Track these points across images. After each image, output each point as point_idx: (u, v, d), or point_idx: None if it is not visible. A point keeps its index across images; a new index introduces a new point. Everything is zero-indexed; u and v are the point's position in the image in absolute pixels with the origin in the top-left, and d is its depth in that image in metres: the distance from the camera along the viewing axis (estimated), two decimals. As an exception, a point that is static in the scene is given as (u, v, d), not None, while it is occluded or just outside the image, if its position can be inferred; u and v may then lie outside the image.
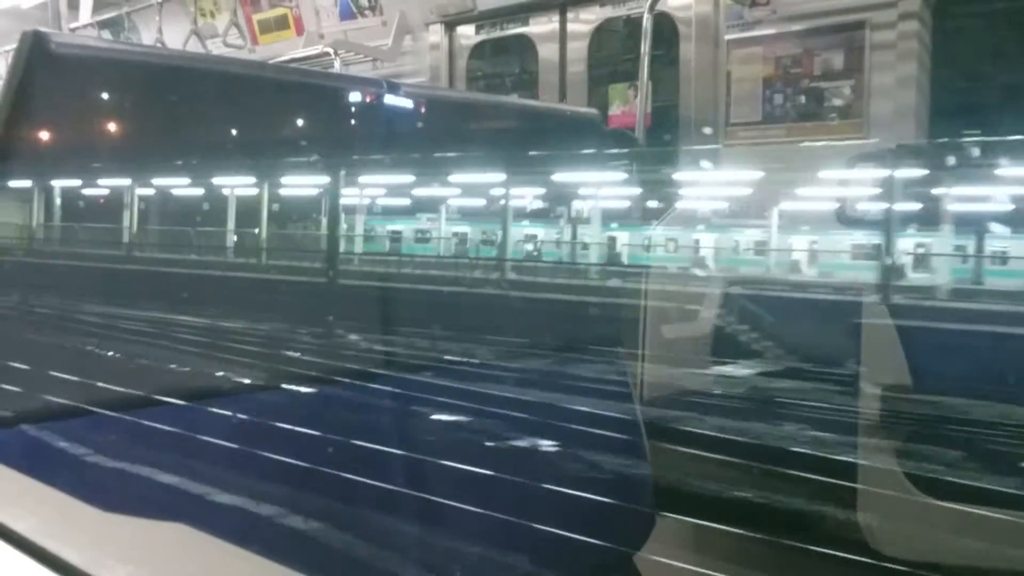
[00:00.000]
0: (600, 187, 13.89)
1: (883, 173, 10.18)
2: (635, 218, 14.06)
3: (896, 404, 6.66)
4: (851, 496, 5.37)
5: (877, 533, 5.08)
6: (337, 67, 14.45)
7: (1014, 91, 9.93)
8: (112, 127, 9.59)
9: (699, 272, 12.44)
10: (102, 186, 17.53)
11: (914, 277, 11.04)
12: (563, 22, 13.42)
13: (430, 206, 16.05)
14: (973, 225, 10.85)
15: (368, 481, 5.84)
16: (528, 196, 15.32)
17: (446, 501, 5.56)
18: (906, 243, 11.21)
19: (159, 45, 15.63)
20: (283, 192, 16.24)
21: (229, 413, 7.50)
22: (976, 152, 9.41)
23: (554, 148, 11.26)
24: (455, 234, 16.05)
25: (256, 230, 16.13)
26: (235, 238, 16.50)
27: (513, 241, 14.52)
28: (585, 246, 14.32)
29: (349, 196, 15.50)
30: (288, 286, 13.81)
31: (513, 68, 14.54)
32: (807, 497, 5.74)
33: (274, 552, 1.78)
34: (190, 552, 1.79)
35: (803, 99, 10.86)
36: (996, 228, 10.84)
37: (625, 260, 13.82)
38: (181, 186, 16.95)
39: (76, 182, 17.58)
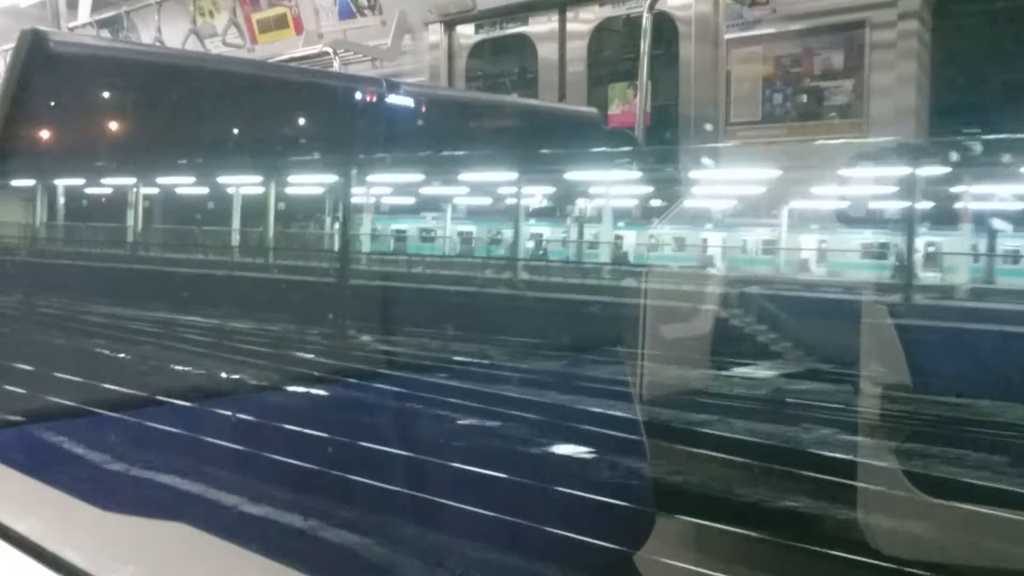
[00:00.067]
0: (609, 186, 13.87)
1: (884, 171, 10.17)
2: (641, 217, 14.05)
3: (926, 408, 6.67)
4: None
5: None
6: (336, 67, 14.44)
7: (1014, 90, 9.93)
8: (110, 126, 9.60)
9: (713, 272, 12.42)
10: (104, 185, 17.53)
11: (925, 276, 11.04)
12: (563, 21, 13.40)
13: (433, 205, 16.05)
14: (980, 223, 10.85)
15: (386, 486, 5.83)
16: (530, 195, 15.32)
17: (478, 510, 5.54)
18: (898, 240, 11.21)
19: (158, 44, 15.61)
20: (287, 191, 16.24)
21: (252, 418, 7.49)
22: (979, 150, 9.40)
23: (554, 147, 11.25)
24: (460, 233, 16.09)
25: (260, 229, 16.15)
26: (239, 238, 16.52)
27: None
28: (592, 245, 14.32)
29: (352, 195, 15.49)
30: (294, 286, 13.80)
31: (513, 67, 14.52)
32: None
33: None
34: (190, 552, 1.79)
35: (803, 98, 10.84)
36: (1003, 226, 10.82)
37: (631, 259, 13.82)
38: (184, 185, 16.96)
39: (78, 181, 17.56)
